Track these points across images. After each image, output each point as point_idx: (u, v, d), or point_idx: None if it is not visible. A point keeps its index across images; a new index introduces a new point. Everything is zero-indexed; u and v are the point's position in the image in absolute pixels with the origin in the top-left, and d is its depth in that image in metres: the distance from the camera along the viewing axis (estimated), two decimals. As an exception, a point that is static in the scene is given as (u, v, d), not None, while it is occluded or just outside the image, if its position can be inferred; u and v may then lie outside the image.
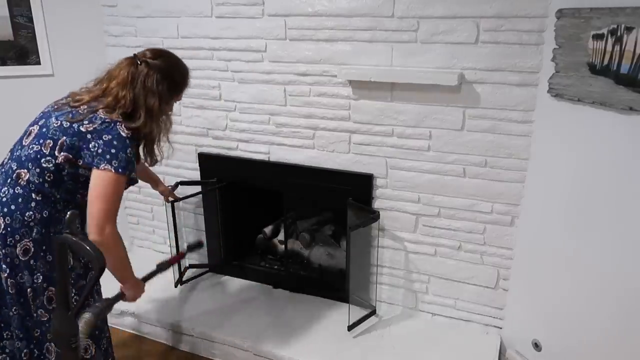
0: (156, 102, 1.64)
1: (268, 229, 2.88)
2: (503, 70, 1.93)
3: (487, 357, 2.17)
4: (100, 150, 1.56)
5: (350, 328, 2.33)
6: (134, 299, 1.78)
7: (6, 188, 1.62)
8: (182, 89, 1.79)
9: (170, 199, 2.47)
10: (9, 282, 1.62)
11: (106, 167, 1.55)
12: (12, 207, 1.60)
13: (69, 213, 1.45)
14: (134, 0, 2.52)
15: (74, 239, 1.36)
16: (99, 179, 1.56)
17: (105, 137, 1.57)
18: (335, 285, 2.56)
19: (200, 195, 2.68)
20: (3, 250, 1.60)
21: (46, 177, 1.60)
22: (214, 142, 2.60)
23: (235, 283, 2.76)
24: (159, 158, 1.82)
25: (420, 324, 2.40)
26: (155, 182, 2.35)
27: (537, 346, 2.08)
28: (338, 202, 2.36)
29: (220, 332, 2.34)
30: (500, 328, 2.30)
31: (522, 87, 1.93)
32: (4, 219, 1.59)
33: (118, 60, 1.70)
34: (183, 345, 2.43)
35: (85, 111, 1.61)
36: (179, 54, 2.46)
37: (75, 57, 2.70)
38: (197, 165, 2.69)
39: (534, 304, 2.09)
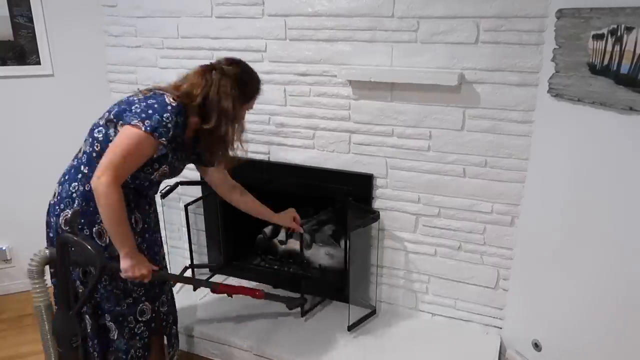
0: (230, 105, 1.67)
1: (268, 229, 2.88)
2: (503, 70, 1.93)
3: (487, 357, 2.17)
4: (139, 110, 1.58)
5: (350, 328, 2.33)
6: (131, 274, 1.66)
7: (72, 161, 1.74)
8: (254, 96, 1.82)
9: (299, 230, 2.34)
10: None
11: (137, 123, 1.55)
12: (66, 177, 1.70)
13: (70, 212, 1.46)
14: (134, 0, 2.52)
15: (75, 238, 1.36)
16: (124, 132, 1.57)
17: (149, 101, 1.60)
18: (335, 285, 2.56)
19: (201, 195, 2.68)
20: (52, 220, 1.70)
21: (95, 148, 1.64)
22: (214, 142, 2.60)
23: (235, 283, 2.76)
24: (234, 162, 1.88)
25: (420, 324, 2.40)
26: (269, 215, 2.25)
27: (537, 346, 2.08)
28: (338, 202, 2.36)
29: (220, 332, 2.34)
30: (500, 328, 2.30)
31: (522, 87, 1.93)
32: (58, 189, 1.70)
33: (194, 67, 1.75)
34: (183, 345, 2.42)
35: (148, 92, 1.66)
36: (179, 54, 2.51)
37: (75, 57, 2.70)
38: (197, 165, 2.68)
39: (534, 304, 2.09)
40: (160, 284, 1.93)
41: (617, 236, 1.70)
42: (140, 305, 1.84)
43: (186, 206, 2.50)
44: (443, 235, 2.27)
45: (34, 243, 2.08)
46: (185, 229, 2.60)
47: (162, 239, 2.03)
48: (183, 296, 2.62)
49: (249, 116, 2.44)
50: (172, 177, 1.85)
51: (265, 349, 2.23)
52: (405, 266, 2.39)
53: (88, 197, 1.64)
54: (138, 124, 1.55)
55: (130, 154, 1.55)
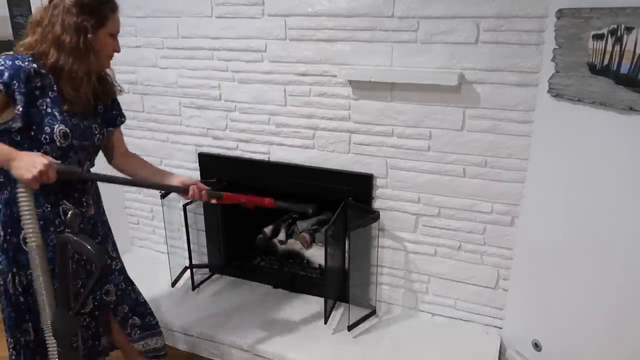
0: (62, 32, 1.47)
1: (268, 229, 2.88)
2: (503, 70, 1.93)
3: (487, 357, 2.17)
4: None
5: (350, 328, 2.33)
6: (33, 178, 1.38)
7: None
8: (105, 15, 1.54)
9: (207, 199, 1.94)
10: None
11: None
12: None
13: (70, 213, 1.45)
14: (134, 0, 2.52)
15: (75, 238, 1.36)
16: None
17: None
18: (335, 285, 2.56)
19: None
20: None
21: None
22: (214, 142, 2.60)
23: (235, 283, 2.76)
24: (117, 90, 1.73)
25: (420, 324, 2.40)
26: (172, 179, 1.88)
27: (537, 346, 2.08)
28: (338, 202, 2.36)
29: (220, 332, 2.34)
30: (500, 328, 2.30)
31: (522, 87, 1.93)
32: None
33: None
34: (183, 345, 2.42)
35: None
36: (179, 54, 2.51)
37: (75, 57, 2.70)
38: (197, 165, 2.69)
39: (534, 304, 2.09)
40: (107, 276, 1.82)
41: (617, 236, 1.70)
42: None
43: (185, 206, 2.50)
44: (443, 235, 2.27)
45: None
46: (183, 229, 2.60)
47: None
48: (183, 296, 2.63)
49: (248, 116, 2.46)
50: (90, 143, 1.65)
51: (265, 349, 2.23)
52: (405, 266, 2.39)
53: (10, 202, 1.54)
54: None
55: None
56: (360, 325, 2.36)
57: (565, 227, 1.87)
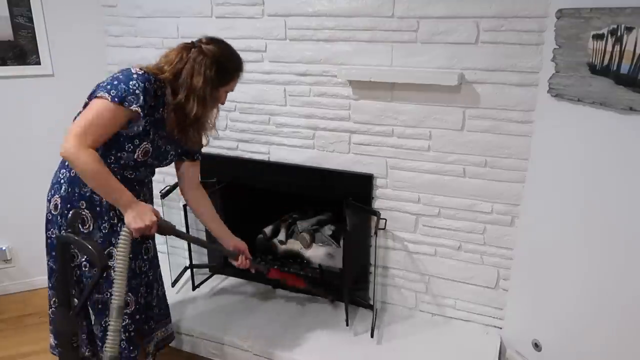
0: (200, 82, 1.64)
1: (268, 229, 2.88)
2: (503, 70, 1.94)
3: (487, 357, 2.17)
4: (104, 84, 1.57)
5: (349, 328, 2.33)
6: (136, 225, 1.57)
7: None
8: (233, 78, 1.77)
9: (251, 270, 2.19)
10: (45, 235, 1.76)
11: (102, 94, 1.53)
12: (59, 165, 1.74)
13: (71, 212, 1.46)
14: (134, 0, 2.52)
15: (76, 237, 1.36)
16: (91, 103, 1.56)
17: (115, 75, 1.60)
18: (335, 285, 2.55)
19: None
20: (46, 205, 1.74)
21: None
22: (214, 142, 2.59)
23: (235, 283, 2.76)
24: (205, 142, 1.90)
25: (420, 324, 2.40)
26: (226, 238, 2.13)
27: (537, 346, 2.08)
28: (338, 202, 2.36)
29: (220, 332, 2.34)
30: (500, 328, 2.30)
31: (522, 87, 1.93)
32: (53, 177, 1.75)
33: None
34: (183, 345, 2.42)
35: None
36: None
37: (75, 57, 2.70)
38: (197, 165, 2.68)
39: (534, 304, 2.09)
40: (139, 275, 1.88)
41: (616, 236, 1.70)
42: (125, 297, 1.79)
43: (185, 206, 2.49)
44: (443, 235, 2.27)
45: (34, 243, 2.09)
46: (182, 229, 2.60)
47: (162, 239, 2.01)
48: (183, 296, 2.62)
49: (248, 116, 2.46)
50: (157, 162, 1.80)
51: (265, 349, 2.23)
52: (405, 266, 2.39)
53: (73, 182, 1.67)
54: (104, 94, 1.53)
55: (98, 122, 1.52)
56: (360, 325, 2.36)
57: (565, 227, 1.87)
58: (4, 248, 2.87)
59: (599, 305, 1.80)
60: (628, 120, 1.58)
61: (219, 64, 1.68)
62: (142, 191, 1.83)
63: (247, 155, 2.55)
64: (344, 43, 2.15)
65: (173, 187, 2.56)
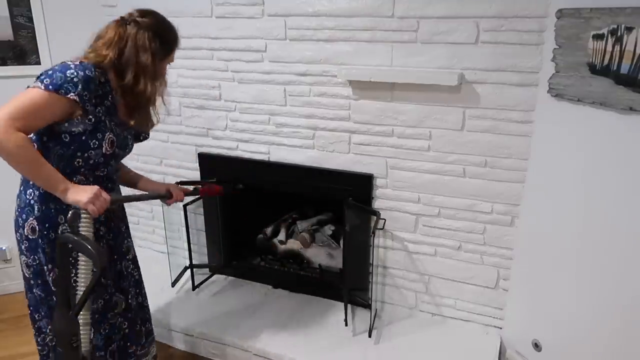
0: (149, 58, 1.58)
1: (268, 229, 2.88)
2: (503, 70, 1.93)
3: (487, 357, 2.17)
4: (39, 76, 1.48)
5: (349, 328, 2.33)
6: (93, 207, 1.48)
7: None
8: (174, 47, 1.72)
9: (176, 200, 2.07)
10: (24, 266, 1.66)
11: (35, 84, 1.45)
12: (20, 188, 1.64)
13: (70, 212, 1.45)
14: (134, 1, 2.51)
15: (75, 237, 1.36)
16: (21, 93, 1.45)
17: (51, 67, 1.52)
18: (335, 285, 2.56)
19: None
20: (17, 234, 1.64)
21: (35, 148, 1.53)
22: (214, 142, 2.60)
23: (235, 283, 2.76)
24: (155, 121, 1.80)
25: (420, 323, 2.40)
26: (144, 183, 2.00)
27: (537, 346, 2.08)
28: (338, 202, 2.36)
29: (220, 332, 2.34)
30: (500, 328, 2.30)
31: (522, 87, 1.93)
32: (17, 201, 1.64)
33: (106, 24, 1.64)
34: (183, 345, 2.42)
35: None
36: (178, 54, 2.49)
37: (75, 57, 2.70)
38: (197, 165, 2.69)
39: (534, 304, 2.09)
40: (126, 277, 1.86)
41: (616, 236, 1.70)
42: (115, 298, 1.79)
43: (185, 206, 2.49)
44: (443, 235, 2.27)
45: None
46: (183, 229, 2.60)
47: (130, 229, 1.93)
48: (183, 296, 2.63)
49: (248, 116, 2.46)
50: (122, 151, 1.72)
51: (265, 349, 2.23)
52: (405, 266, 2.39)
53: (46, 199, 1.57)
54: (37, 84, 1.44)
55: (30, 108, 1.42)
56: (360, 325, 2.36)
57: (565, 227, 1.87)
58: (4, 248, 2.87)
59: (599, 305, 1.80)
60: (628, 120, 1.58)
61: (160, 36, 1.62)
62: (115, 188, 1.77)
63: (247, 155, 2.55)
64: (344, 43, 2.15)
65: (173, 187, 2.56)
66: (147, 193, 1.99)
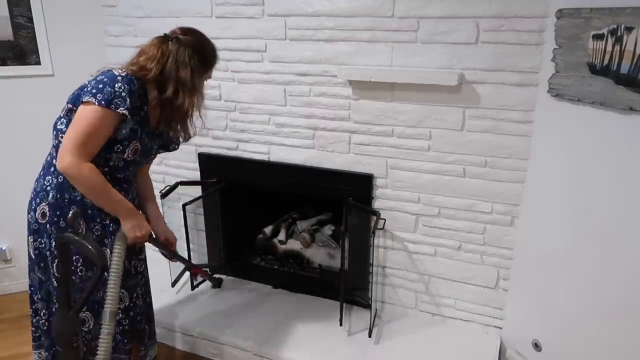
0: (188, 73, 1.66)
1: (268, 229, 2.88)
2: (503, 70, 1.94)
3: (487, 357, 2.17)
4: (89, 88, 1.56)
5: (349, 328, 2.33)
6: (134, 235, 1.69)
7: (46, 157, 1.74)
8: (213, 64, 1.80)
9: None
10: (31, 246, 1.71)
11: (89, 99, 1.52)
12: (41, 173, 1.71)
13: (71, 212, 1.46)
14: (134, 0, 2.52)
15: (76, 237, 1.36)
16: (80, 112, 1.55)
17: (99, 78, 1.58)
18: (335, 285, 2.55)
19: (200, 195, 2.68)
20: (29, 215, 1.70)
21: (60, 139, 1.61)
22: (214, 142, 2.60)
23: (234, 283, 2.76)
24: (192, 133, 1.87)
25: (420, 324, 2.40)
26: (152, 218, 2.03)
27: (537, 346, 2.08)
28: (338, 202, 2.36)
29: (220, 332, 2.34)
30: (500, 328, 2.30)
31: (522, 87, 1.93)
32: (34, 185, 1.71)
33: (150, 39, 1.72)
34: (183, 345, 2.42)
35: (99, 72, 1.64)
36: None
37: (75, 57, 2.70)
38: (197, 165, 2.69)
39: (534, 304, 2.09)
40: (135, 276, 1.88)
41: (616, 236, 1.70)
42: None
43: (184, 206, 2.49)
44: (443, 235, 2.27)
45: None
46: (183, 229, 2.60)
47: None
48: (183, 296, 2.62)
49: (248, 116, 2.46)
50: (144, 159, 1.80)
51: (265, 349, 2.23)
52: (405, 266, 2.39)
53: (62, 188, 1.64)
54: (91, 99, 1.52)
55: (91, 130, 1.52)
56: (360, 325, 2.36)
57: (565, 227, 1.87)
58: (4, 248, 2.87)
59: (599, 305, 1.80)
60: (628, 120, 1.58)
61: (199, 53, 1.69)
62: (130, 190, 1.82)
63: (247, 155, 2.55)
64: (344, 43, 2.15)
65: (173, 187, 2.56)
66: (176, 252, 2.14)
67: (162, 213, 2.64)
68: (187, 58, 1.65)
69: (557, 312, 1.97)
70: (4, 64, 2.61)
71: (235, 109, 2.49)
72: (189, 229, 2.57)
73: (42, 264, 1.71)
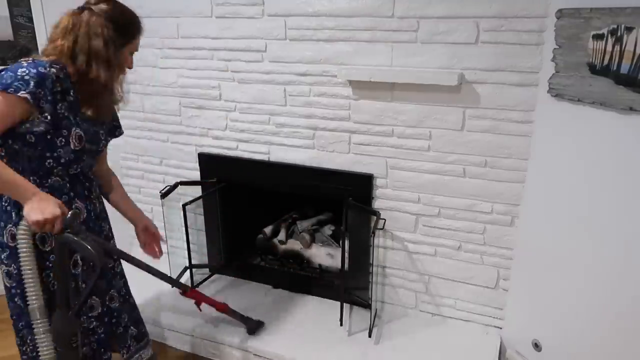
0: (100, 44, 1.53)
1: (268, 229, 2.88)
2: (503, 70, 1.93)
3: (487, 357, 2.17)
4: None
5: (349, 328, 2.33)
6: (35, 221, 1.41)
7: None
8: (134, 34, 1.65)
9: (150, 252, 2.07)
10: (4, 273, 1.62)
11: None
12: None
13: (70, 212, 1.45)
14: (134, 0, 2.51)
15: (75, 238, 1.36)
16: None
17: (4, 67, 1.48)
18: (335, 285, 2.56)
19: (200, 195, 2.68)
20: None
21: (1, 154, 1.53)
22: (214, 142, 2.60)
23: (234, 283, 2.76)
24: (111, 108, 1.75)
25: (420, 324, 2.40)
26: (135, 219, 2.00)
27: (537, 346, 2.08)
28: (338, 202, 2.36)
29: (220, 332, 2.34)
30: (500, 328, 2.30)
31: (522, 87, 1.93)
32: None
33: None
34: (183, 345, 2.42)
35: None
36: (179, 54, 2.50)
37: (75, 57, 2.70)
38: (197, 165, 2.69)
39: (534, 304, 2.09)
40: (110, 280, 1.84)
41: (616, 236, 1.70)
42: (90, 301, 1.75)
43: (184, 205, 2.49)
44: (443, 235, 2.27)
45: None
46: (183, 229, 2.60)
47: (112, 229, 1.91)
48: (182, 296, 2.62)
49: (248, 116, 2.46)
50: (94, 146, 1.68)
51: (265, 349, 2.23)
52: (405, 266, 2.39)
53: (20, 203, 1.50)
54: None
55: None
56: (360, 325, 2.36)
57: (565, 227, 1.87)
58: None
59: (599, 305, 1.80)
60: (628, 120, 1.58)
61: (114, 22, 1.56)
62: (92, 187, 1.75)
63: (247, 155, 2.55)
64: (344, 43, 2.15)
65: (173, 187, 2.56)
66: (152, 268, 1.91)
67: (162, 212, 2.65)
68: (99, 28, 1.52)
69: (557, 312, 1.97)
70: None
71: (235, 109, 2.49)
72: (189, 229, 2.57)
73: (19, 290, 1.63)
